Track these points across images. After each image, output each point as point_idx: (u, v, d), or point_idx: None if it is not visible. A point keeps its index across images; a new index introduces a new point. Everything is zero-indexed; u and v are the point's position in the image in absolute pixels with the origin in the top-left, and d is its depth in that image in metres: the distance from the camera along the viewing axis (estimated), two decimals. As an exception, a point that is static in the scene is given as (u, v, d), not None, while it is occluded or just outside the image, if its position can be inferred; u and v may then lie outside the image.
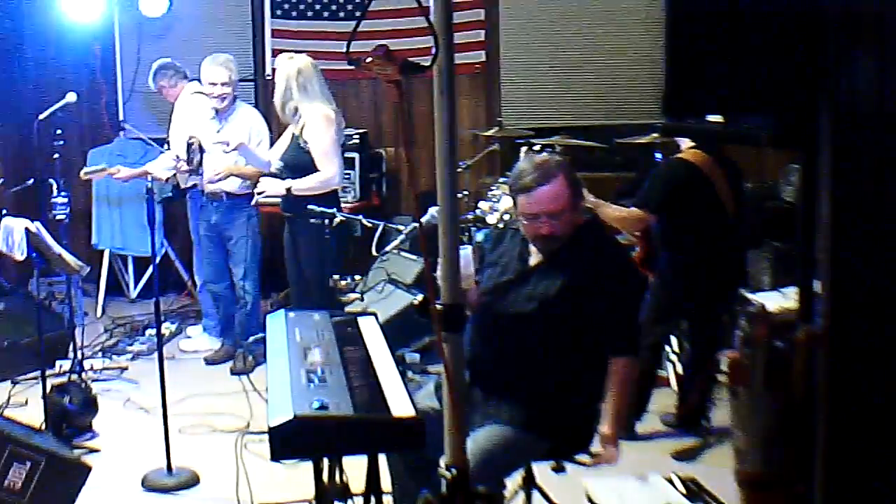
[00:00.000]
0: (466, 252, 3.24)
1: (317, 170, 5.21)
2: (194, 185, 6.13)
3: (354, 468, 3.08)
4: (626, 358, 3.26)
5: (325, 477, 3.14)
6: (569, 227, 3.25)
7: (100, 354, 6.27)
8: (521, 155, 5.14)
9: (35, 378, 5.27)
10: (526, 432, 3.20)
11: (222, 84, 5.77)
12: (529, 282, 3.29)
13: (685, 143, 4.72)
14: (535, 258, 3.33)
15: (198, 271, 6.40)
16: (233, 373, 5.86)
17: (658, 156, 5.83)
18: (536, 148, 5.72)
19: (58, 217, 6.07)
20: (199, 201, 6.10)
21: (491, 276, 3.37)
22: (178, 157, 5.89)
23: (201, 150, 5.79)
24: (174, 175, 6.19)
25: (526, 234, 3.31)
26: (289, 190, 5.20)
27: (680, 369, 5.07)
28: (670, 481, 3.21)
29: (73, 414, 4.87)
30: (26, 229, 4.82)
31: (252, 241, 5.99)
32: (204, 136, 5.85)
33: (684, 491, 3.15)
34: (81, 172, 6.31)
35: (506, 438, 3.16)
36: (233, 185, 5.87)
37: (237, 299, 6.06)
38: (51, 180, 6.22)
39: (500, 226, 5.11)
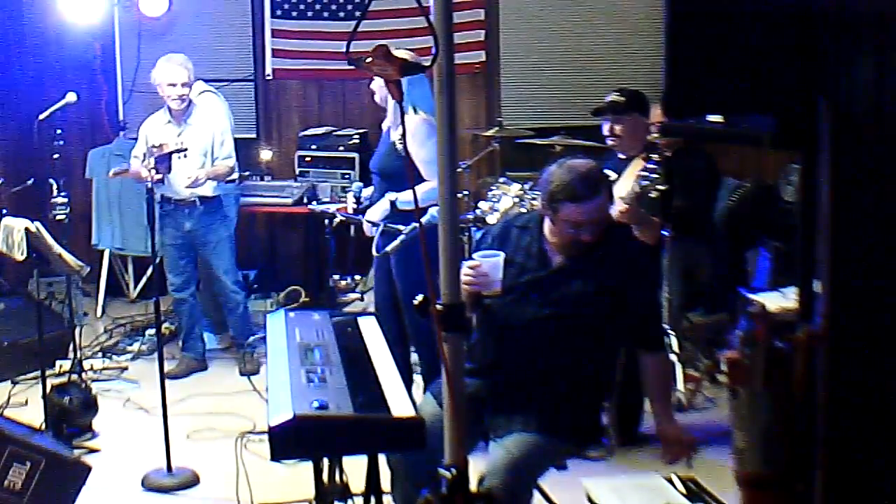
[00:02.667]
0: (498, 260, 3.21)
1: (420, 179, 4.69)
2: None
3: (354, 468, 3.08)
4: (661, 353, 3.39)
5: (325, 477, 3.14)
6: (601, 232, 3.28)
7: (100, 354, 6.27)
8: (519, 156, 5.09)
9: (35, 378, 5.27)
10: (555, 437, 3.22)
11: (182, 84, 5.70)
12: (556, 283, 3.27)
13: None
14: (557, 259, 3.32)
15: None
16: (241, 374, 5.85)
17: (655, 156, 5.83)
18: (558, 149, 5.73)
19: (58, 217, 6.06)
20: (165, 207, 5.85)
21: (506, 276, 3.29)
22: (145, 166, 5.70)
23: (168, 159, 5.67)
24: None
25: (561, 239, 3.27)
26: (393, 204, 4.77)
27: (680, 369, 5.07)
28: (670, 481, 3.21)
29: (73, 414, 4.87)
30: (26, 229, 4.82)
31: (231, 242, 5.97)
32: (167, 141, 5.69)
33: (684, 491, 3.15)
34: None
35: (538, 446, 3.17)
36: (208, 189, 5.81)
37: (226, 303, 6.03)
38: (51, 180, 6.21)
39: (493, 222, 5.11)
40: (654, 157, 4.17)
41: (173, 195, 5.83)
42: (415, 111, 4.88)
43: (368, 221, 4.80)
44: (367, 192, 5.12)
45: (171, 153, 5.48)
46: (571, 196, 3.17)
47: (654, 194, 4.16)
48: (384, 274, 4.99)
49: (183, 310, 6.00)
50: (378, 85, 5.00)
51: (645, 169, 4.13)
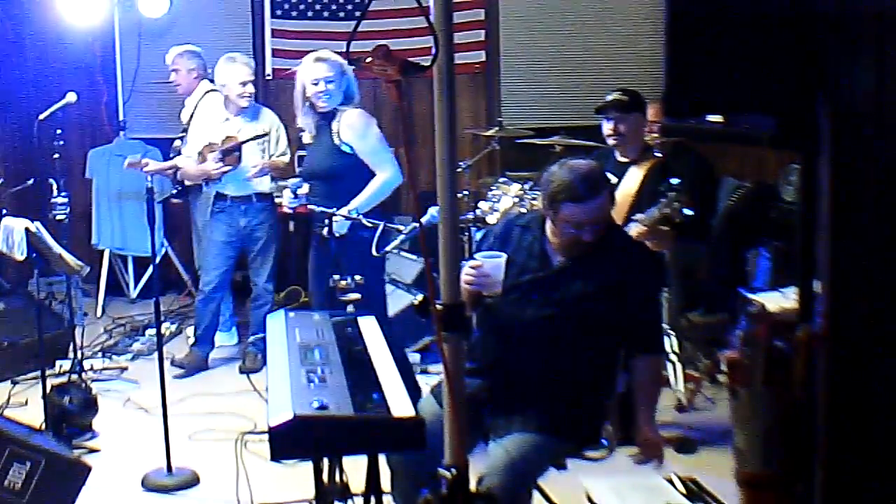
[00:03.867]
0: (500, 260, 3.21)
1: (369, 175, 4.88)
2: (200, 185, 6.09)
3: (354, 468, 3.08)
4: (656, 356, 3.38)
5: (325, 477, 3.14)
6: (603, 232, 3.27)
7: (100, 354, 6.27)
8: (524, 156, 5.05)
9: (35, 378, 5.27)
10: (554, 437, 3.22)
11: (252, 83, 5.82)
12: (557, 284, 3.27)
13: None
14: (558, 259, 3.32)
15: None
16: (241, 371, 5.86)
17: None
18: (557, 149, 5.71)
19: (58, 217, 6.07)
20: (218, 204, 5.93)
21: (507, 276, 3.27)
22: (217, 158, 5.75)
23: (239, 149, 5.72)
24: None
25: (561, 239, 3.27)
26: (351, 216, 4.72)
27: (680, 369, 5.07)
28: (670, 481, 3.21)
29: (73, 414, 4.87)
30: (26, 229, 4.82)
31: (276, 243, 6.00)
32: (234, 136, 5.80)
33: (684, 491, 3.15)
34: (125, 163, 6.25)
35: (537, 446, 3.17)
36: (265, 185, 5.88)
37: (256, 298, 6.03)
38: (51, 180, 6.21)
39: (493, 222, 5.11)
40: (674, 181, 4.10)
41: (231, 192, 5.86)
42: (351, 103, 4.93)
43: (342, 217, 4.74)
44: (306, 188, 5.00)
45: (243, 142, 5.57)
46: (572, 196, 3.17)
47: (679, 220, 4.07)
48: (324, 260, 4.94)
49: (209, 309, 5.99)
50: (303, 87, 4.97)
51: (665, 195, 4.07)
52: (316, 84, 4.90)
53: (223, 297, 6.07)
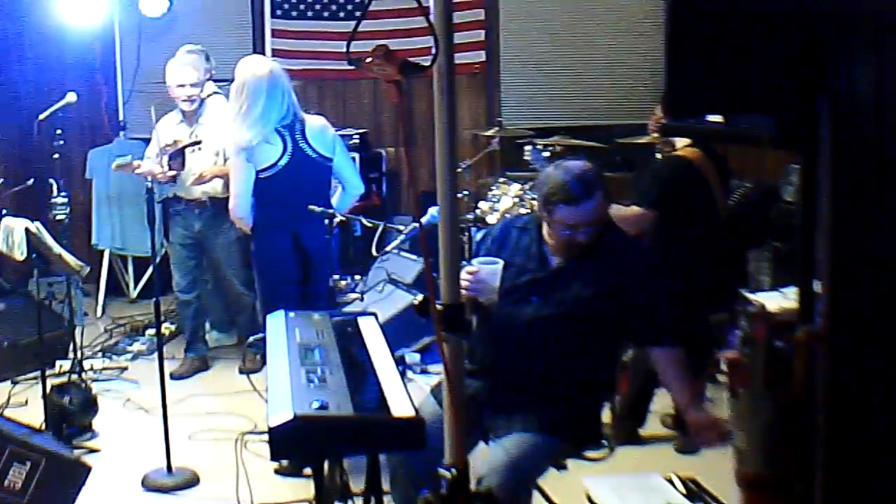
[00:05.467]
0: (497, 267, 3.21)
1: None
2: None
3: (354, 468, 3.08)
4: (677, 346, 3.34)
5: (325, 477, 3.14)
6: (599, 233, 3.27)
7: (100, 354, 6.27)
8: (523, 153, 5.05)
9: (35, 378, 5.27)
10: (554, 437, 3.22)
11: (191, 85, 5.62)
12: (555, 285, 3.27)
13: (680, 141, 4.69)
14: (556, 261, 3.32)
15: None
16: (241, 372, 5.86)
17: (658, 156, 5.83)
18: (557, 149, 5.71)
19: (58, 217, 6.07)
20: (175, 207, 5.84)
21: (506, 277, 3.27)
22: (161, 164, 5.58)
23: (181, 154, 5.61)
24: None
25: (557, 241, 3.27)
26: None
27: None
28: (670, 481, 3.21)
29: (73, 414, 4.87)
30: (26, 229, 4.82)
31: (241, 244, 5.92)
32: (180, 138, 5.68)
33: (684, 491, 3.15)
34: (113, 165, 6.20)
35: (537, 446, 3.17)
36: (217, 188, 5.68)
37: (234, 303, 6.01)
38: (51, 180, 6.21)
39: (493, 222, 5.12)
40: None
41: (184, 194, 5.77)
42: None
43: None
44: None
45: (184, 147, 5.45)
46: (566, 198, 3.16)
47: None
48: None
49: (188, 312, 5.96)
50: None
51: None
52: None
53: (197, 297, 5.98)
